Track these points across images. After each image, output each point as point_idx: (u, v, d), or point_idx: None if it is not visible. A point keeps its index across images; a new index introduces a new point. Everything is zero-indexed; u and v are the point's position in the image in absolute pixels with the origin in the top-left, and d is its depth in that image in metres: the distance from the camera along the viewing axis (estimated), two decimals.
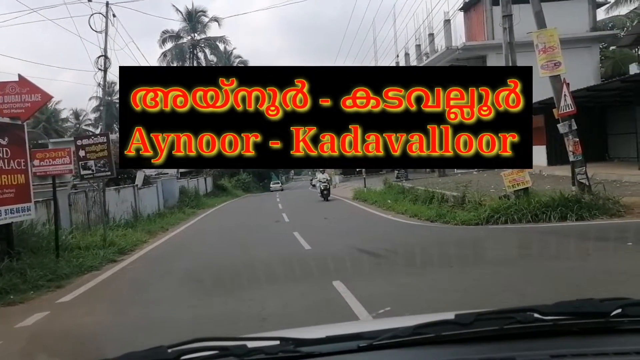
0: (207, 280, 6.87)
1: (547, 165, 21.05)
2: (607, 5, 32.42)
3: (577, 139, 10.45)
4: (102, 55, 10.99)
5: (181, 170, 46.42)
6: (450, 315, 1.25)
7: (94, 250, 9.61)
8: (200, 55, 41.78)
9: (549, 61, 10.26)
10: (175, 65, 41.51)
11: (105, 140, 10.52)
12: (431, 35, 33.62)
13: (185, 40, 41.04)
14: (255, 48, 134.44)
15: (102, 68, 10.99)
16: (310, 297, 5.29)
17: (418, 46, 36.00)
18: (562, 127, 10.48)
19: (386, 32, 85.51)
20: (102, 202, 11.60)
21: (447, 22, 29.90)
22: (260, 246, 9.97)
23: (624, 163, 19.18)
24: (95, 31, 10.68)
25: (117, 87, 62.67)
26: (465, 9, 28.63)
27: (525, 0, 17.52)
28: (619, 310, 1.22)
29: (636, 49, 28.47)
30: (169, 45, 41.09)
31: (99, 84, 10.78)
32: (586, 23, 26.36)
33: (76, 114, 62.99)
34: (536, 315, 1.23)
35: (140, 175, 20.65)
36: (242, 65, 55.40)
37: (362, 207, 18.61)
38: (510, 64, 10.90)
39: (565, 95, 10.07)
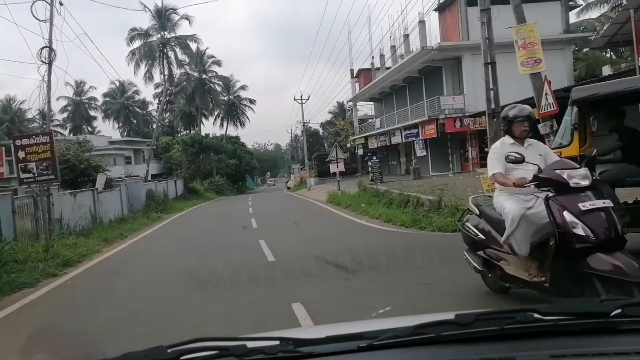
0: (148, 304, 6.00)
1: None
2: (579, 8, 32.70)
3: None
4: (45, 47, 9.94)
5: (152, 172, 45.40)
6: (450, 315, 1.24)
7: (32, 263, 8.59)
8: (171, 54, 40.53)
9: (529, 58, 9.72)
10: (144, 63, 40.24)
11: (47, 140, 9.44)
12: (406, 36, 33.31)
13: (154, 38, 39.71)
14: (232, 49, 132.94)
15: (47, 61, 9.93)
16: (264, 325, 4.49)
17: (393, 47, 35.62)
18: (543, 128, 9.93)
19: (363, 34, 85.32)
20: (47, 208, 10.52)
21: (422, 22, 29.56)
22: (220, 257, 9.11)
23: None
24: (38, 20, 9.67)
25: (87, 86, 61.10)
26: (440, 9, 28.34)
27: (504, 0, 17.27)
28: (619, 310, 1.22)
29: (606, 52, 28.62)
30: (137, 43, 39.72)
31: (42, 78, 9.75)
32: (559, 25, 26.35)
33: (43, 115, 60.88)
34: (536, 315, 1.23)
35: (101, 178, 19.47)
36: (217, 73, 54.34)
37: (336, 211, 17.89)
38: (489, 60, 10.32)
39: (546, 93, 9.51)
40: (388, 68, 34.72)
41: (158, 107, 47.87)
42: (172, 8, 39.80)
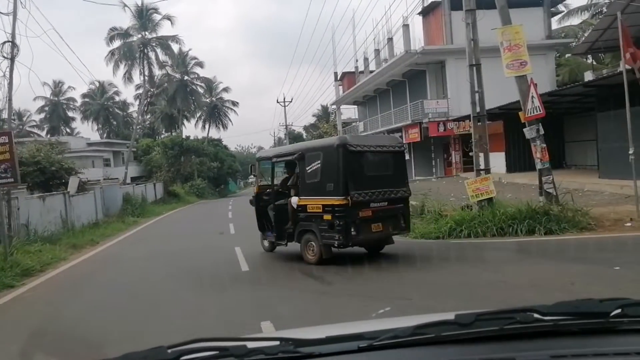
0: (104, 321, 5.47)
1: (506, 172, 20.62)
2: (560, 15, 32.96)
3: (545, 145, 9.66)
4: (7, 41, 9.33)
5: (132, 175, 44.45)
6: (450, 316, 1.23)
7: None
8: (151, 54, 39.65)
9: (514, 60, 9.44)
10: (124, 64, 39.32)
11: (6, 141, 8.79)
12: (390, 39, 33.14)
13: (135, 38, 38.82)
14: (216, 51, 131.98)
15: (9, 56, 9.33)
16: None
17: (377, 51, 35.42)
18: (528, 132, 9.67)
19: (347, 37, 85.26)
20: (7, 213, 9.85)
21: (406, 26, 29.40)
22: (192, 267, 8.60)
23: (582, 171, 18.94)
24: (1, 13, 9.06)
25: (65, 87, 59.75)
26: (424, 13, 28.18)
27: (488, 5, 17.10)
28: (619, 311, 1.22)
29: (587, 58, 28.81)
30: (117, 43, 38.76)
31: (4, 74, 9.13)
32: (542, 31, 26.39)
33: (19, 115, 59.23)
34: (536, 315, 1.22)
35: (74, 180, 18.72)
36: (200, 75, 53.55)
37: None
38: (474, 62, 10.02)
39: (532, 97, 9.24)
40: (372, 71, 34.48)
41: (139, 108, 46.89)
42: (153, 8, 39.01)
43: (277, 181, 9.12)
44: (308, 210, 7.68)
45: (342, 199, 7.18)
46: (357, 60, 39.34)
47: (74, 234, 14.49)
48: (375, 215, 7.47)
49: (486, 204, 9.78)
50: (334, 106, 48.06)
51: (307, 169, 7.82)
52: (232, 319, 4.99)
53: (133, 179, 41.23)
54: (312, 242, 7.55)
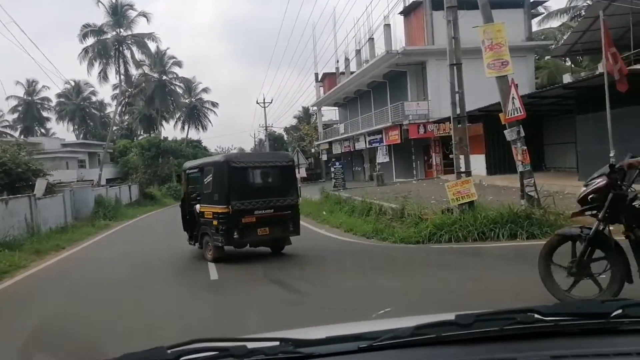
0: (57, 339, 4.94)
1: (486, 174, 20.49)
2: (540, 17, 33.22)
3: (525, 147, 9.42)
4: None
5: (108, 176, 43.35)
6: (450, 316, 1.23)
7: None
8: (127, 53, 38.63)
9: (496, 59, 9.17)
10: (98, 62, 38.27)
11: None
12: (371, 39, 32.93)
13: (109, 35, 37.77)
14: (197, 51, 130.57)
15: None
16: None
17: (358, 51, 35.18)
18: (509, 134, 9.41)
19: (328, 38, 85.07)
20: None
21: (387, 26, 29.20)
22: (159, 275, 8.11)
23: (562, 173, 18.90)
24: None
25: (39, 86, 58.09)
26: (405, 13, 28.03)
27: (470, 6, 16.91)
28: (620, 311, 1.22)
29: (566, 60, 29.07)
30: (90, 40, 37.66)
31: None
32: (522, 33, 26.43)
33: None
34: (537, 315, 1.23)
35: (41, 182, 17.94)
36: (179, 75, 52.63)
37: None
38: (455, 62, 9.72)
39: (513, 98, 8.99)
40: (353, 72, 34.21)
41: (116, 108, 45.78)
42: (128, 4, 38.04)
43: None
44: (205, 216, 8.99)
45: (224, 207, 8.44)
46: (337, 61, 39.09)
47: (39, 239, 13.77)
48: (260, 221, 8.62)
49: (467, 207, 9.49)
50: (315, 107, 47.69)
51: (204, 180, 9.18)
52: (193, 335, 4.53)
53: (109, 181, 40.24)
54: (209, 243, 8.85)
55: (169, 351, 1.11)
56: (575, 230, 4.35)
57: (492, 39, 9.22)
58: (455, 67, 9.72)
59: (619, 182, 4.06)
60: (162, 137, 50.65)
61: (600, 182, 4.13)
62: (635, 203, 4.00)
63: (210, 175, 8.95)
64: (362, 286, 5.98)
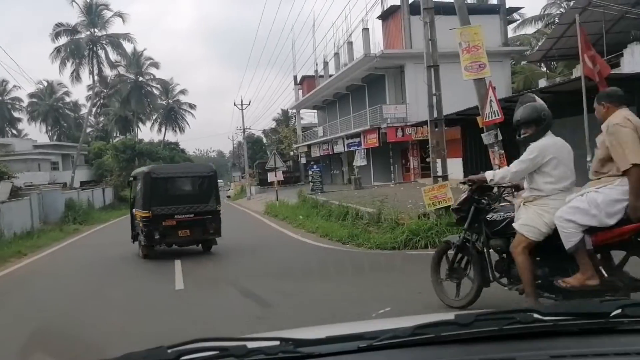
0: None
1: (463, 178, 20.46)
2: (515, 23, 33.65)
3: (503, 151, 9.28)
4: None
5: (82, 179, 42.21)
6: (450, 316, 1.24)
7: None
8: (101, 53, 37.73)
9: (473, 62, 9.03)
10: (71, 62, 37.27)
11: None
12: (350, 43, 32.84)
13: (83, 35, 36.82)
14: (176, 54, 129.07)
15: None
16: None
17: (336, 54, 35.04)
18: (487, 138, 9.27)
19: (307, 41, 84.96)
20: None
21: (366, 30, 29.14)
22: (122, 283, 7.69)
23: None
24: None
25: (10, 86, 56.28)
26: (384, 17, 27.99)
27: (447, 11, 16.84)
28: (619, 311, 1.22)
29: (541, 66, 29.46)
30: (63, 40, 36.64)
31: None
32: (498, 38, 26.62)
33: None
34: (536, 315, 1.23)
35: (5, 185, 17.24)
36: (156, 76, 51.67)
37: (271, 223, 16.69)
38: (432, 63, 9.55)
39: (491, 100, 8.84)
40: (331, 75, 34.05)
41: (89, 109, 44.65)
42: (104, 4, 37.16)
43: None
44: (137, 219, 10.31)
45: (146, 212, 9.75)
46: (316, 64, 38.89)
47: (0, 245, 13.13)
48: (180, 224, 9.86)
49: (444, 212, 9.30)
50: (293, 110, 47.39)
51: (137, 188, 10.69)
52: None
53: (83, 184, 39.22)
54: (142, 243, 10.23)
55: (169, 350, 1.11)
56: (455, 238, 4.65)
57: (469, 41, 9.07)
58: (432, 69, 9.55)
59: (481, 196, 4.38)
60: (138, 139, 49.69)
61: (464, 195, 4.51)
62: (489, 215, 4.28)
63: (140, 184, 10.45)
64: (333, 296, 5.69)
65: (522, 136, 4.17)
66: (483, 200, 4.37)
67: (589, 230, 3.63)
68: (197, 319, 5.17)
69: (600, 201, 3.58)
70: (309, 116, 47.94)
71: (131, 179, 11.80)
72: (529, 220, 3.88)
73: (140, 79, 51.54)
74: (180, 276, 7.60)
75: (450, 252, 4.73)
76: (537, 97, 4.41)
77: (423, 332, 1.19)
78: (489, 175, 4.24)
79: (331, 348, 1.17)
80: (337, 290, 5.89)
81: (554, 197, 3.88)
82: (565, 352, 1.12)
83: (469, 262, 4.57)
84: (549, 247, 3.85)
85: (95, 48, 37.58)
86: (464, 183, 4.60)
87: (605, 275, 3.71)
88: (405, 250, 8.74)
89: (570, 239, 3.62)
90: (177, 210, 9.81)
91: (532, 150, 3.97)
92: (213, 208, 10.26)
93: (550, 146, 4.02)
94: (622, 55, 18.25)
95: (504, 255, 4.23)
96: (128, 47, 41.43)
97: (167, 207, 9.77)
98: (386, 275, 7.10)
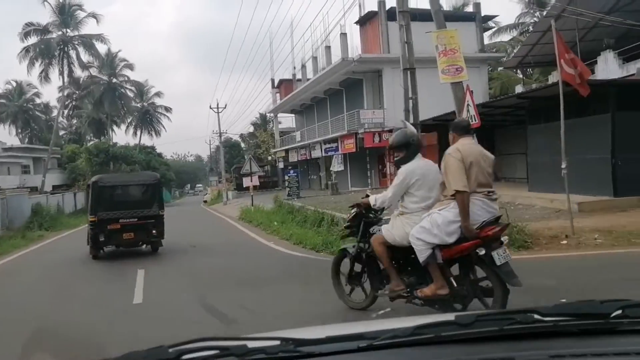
0: None
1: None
2: (491, 31, 34.02)
3: None
4: None
5: (55, 183, 40.90)
6: (450, 316, 1.24)
7: None
8: (72, 53, 36.67)
9: (450, 65, 8.83)
10: (40, 62, 36.13)
11: None
12: (328, 47, 32.67)
13: (54, 35, 35.75)
14: (153, 56, 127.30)
15: None
16: None
17: (315, 58, 34.82)
18: None
19: (286, 45, 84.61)
20: None
21: (344, 35, 29.02)
22: (78, 292, 7.19)
23: (512, 184, 19.01)
24: None
25: None
26: (361, 22, 27.91)
27: (424, 18, 16.73)
28: (619, 312, 1.23)
29: (517, 72, 29.77)
30: (33, 39, 35.52)
31: None
32: (475, 45, 26.78)
33: None
34: (536, 316, 1.24)
35: None
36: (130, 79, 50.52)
37: (245, 229, 16.24)
38: (408, 66, 9.33)
39: (468, 105, 8.65)
40: (309, 79, 33.79)
41: (59, 111, 43.35)
42: (77, 4, 36.17)
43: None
44: (88, 223, 11.19)
45: (93, 217, 10.76)
46: (294, 68, 38.63)
47: None
48: (124, 228, 10.81)
49: None
50: (271, 114, 46.96)
51: (90, 195, 11.29)
52: None
53: (55, 188, 38.03)
54: (89, 245, 11.14)
55: (170, 350, 1.11)
56: (350, 247, 5.14)
57: (446, 44, 8.88)
58: (408, 72, 9.33)
59: (368, 212, 4.87)
60: (112, 143, 48.51)
61: (353, 212, 5.03)
62: (372, 228, 4.78)
63: (90, 191, 11.26)
64: (304, 312, 5.34)
65: (395, 159, 4.69)
66: (370, 215, 4.89)
67: (440, 246, 4.06)
68: (152, 336, 4.75)
69: (440, 222, 4.02)
70: (288, 120, 47.64)
71: (87, 186, 12.41)
72: (391, 227, 4.47)
73: (114, 80, 50.47)
74: (141, 288, 7.14)
75: (347, 260, 5.16)
76: (407, 124, 5.17)
77: (423, 332, 1.20)
78: (371, 200, 4.71)
79: (331, 348, 1.17)
80: (306, 305, 5.54)
81: (417, 214, 4.30)
82: (565, 352, 1.12)
83: (364, 269, 5.00)
84: (416, 260, 4.25)
85: (66, 48, 36.57)
86: (352, 207, 5.15)
87: (455, 285, 4.17)
88: None
89: (422, 254, 4.07)
90: (122, 215, 10.79)
91: (400, 174, 4.44)
92: (156, 213, 11.20)
93: (416, 169, 4.41)
94: (596, 62, 18.43)
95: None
96: (102, 48, 40.54)
97: (112, 212, 10.77)
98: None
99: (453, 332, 1.19)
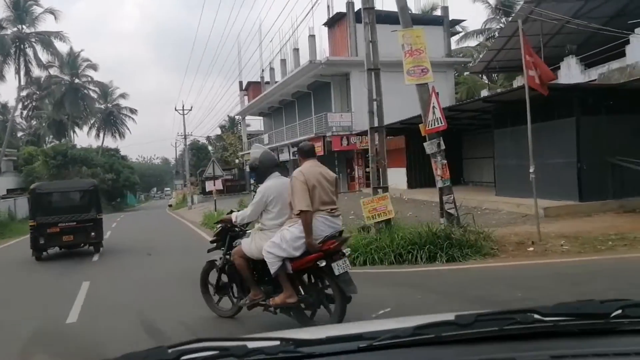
0: None
1: (407, 188, 20.21)
2: (458, 36, 34.32)
3: (445, 162, 8.80)
4: None
5: (9, 187, 38.91)
6: (450, 316, 1.24)
7: None
8: (30, 51, 35.04)
9: (415, 66, 8.50)
10: None
11: None
12: (296, 50, 32.25)
13: (8, 32, 34.08)
14: (119, 57, 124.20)
15: None
16: None
17: (283, 61, 34.35)
18: (429, 147, 8.75)
19: (254, 47, 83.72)
20: None
21: (312, 37, 28.64)
22: (8, 309, 6.46)
23: (480, 187, 19.00)
24: None
25: None
26: (330, 24, 27.60)
27: (392, 21, 16.43)
28: (620, 311, 1.23)
29: (482, 77, 30.09)
30: None
31: None
32: (442, 49, 26.83)
33: None
34: (536, 316, 1.24)
35: None
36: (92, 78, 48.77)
37: (206, 236, 15.53)
38: (373, 67, 8.96)
39: (434, 107, 8.34)
40: (278, 82, 33.27)
41: (13, 111, 41.40)
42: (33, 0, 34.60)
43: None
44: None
45: (32, 221, 11.71)
46: (262, 70, 38.02)
47: None
48: (63, 231, 11.72)
49: (384, 226, 8.68)
50: (239, 117, 46.17)
51: (30, 201, 12.33)
52: None
53: (10, 192, 36.16)
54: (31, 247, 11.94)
55: (169, 350, 1.11)
56: (217, 259, 5.36)
57: (412, 44, 8.56)
58: (372, 73, 8.95)
59: (233, 226, 5.15)
60: (71, 145, 46.70)
61: (220, 226, 5.38)
62: (235, 242, 5.10)
63: (30, 197, 12.28)
64: (252, 329, 4.85)
65: (252, 179, 4.88)
66: (236, 229, 5.19)
67: (290, 258, 4.42)
68: None
69: (288, 237, 4.39)
70: (256, 123, 46.89)
71: (28, 193, 13.21)
72: (250, 241, 4.79)
73: (77, 81, 48.67)
74: (80, 303, 6.48)
75: (214, 272, 5.42)
76: (260, 146, 5.51)
77: (423, 332, 1.20)
78: (233, 217, 5.04)
79: (331, 348, 1.16)
80: (257, 322, 5.05)
81: (273, 230, 4.63)
82: (565, 353, 1.12)
83: (229, 279, 5.27)
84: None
85: (22, 46, 34.91)
86: (217, 223, 5.56)
87: (302, 293, 4.54)
88: None
89: (272, 266, 4.42)
90: (60, 219, 11.65)
91: (258, 193, 4.79)
92: (94, 216, 12.17)
93: (271, 187, 4.75)
94: (559, 68, 18.62)
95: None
96: (63, 47, 38.96)
97: (51, 217, 11.61)
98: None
99: (453, 332, 1.19)
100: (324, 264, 4.32)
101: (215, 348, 1.11)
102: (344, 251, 4.54)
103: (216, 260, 5.35)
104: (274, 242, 4.43)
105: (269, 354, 1.11)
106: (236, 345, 1.12)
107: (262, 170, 4.93)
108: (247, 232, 5.16)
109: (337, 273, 4.32)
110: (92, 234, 12.02)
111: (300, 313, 4.58)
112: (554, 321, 1.22)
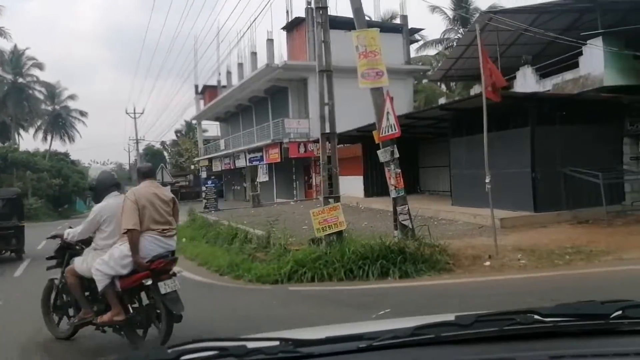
0: None
1: (364, 197, 19.78)
2: (418, 45, 34.55)
3: (399, 170, 8.33)
4: None
5: None
6: (450, 317, 1.24)
7: None
8: None
9: (370, 68, 8.01)
10: None
11: None
12: (254, 54, 31.55)
13: None
14: (73, 58, 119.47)
15: None
16: None
17: (240, 65, 33.52)
18: (382, 155, 8.25)
19: (212, 50, 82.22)
20: None
21: (270, 41, 28.01)
22: None
23: (435, 197, 18.80)
24: None
25: None
26: (288, 29, 27.08)
27: (343, 25, 16.01)
28: (619, 312, 1.23)
29: (440, 85, 30.32)
30: None
31: None
32: (401, 57, 26.78)
33: None
34: (536, 316, 1.24)
35: None
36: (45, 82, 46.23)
37: None
38: (324, 68, 8.40)
39: (388, 113, 7.86)
40: (234, 86, 32.41)
41: None
42: None
43: None
44: None
45: None
46: (219, 74, 37.00)
47: None
48: None
49: (334, 238, 8.09)
50: (194, 121, 44.84)
51: None
52: None
53: None
54: None
55: (169, 350, 1.11)
56: (57, 278, 5.18)
57: (366, 45, 8.08)
58: (325, 75, 8.40)
59: (79, 244, 5.08)
60: (15, 147, 44.02)
61: (58, 245, 5.21)
62: (72, 260, 4.95)
63: None
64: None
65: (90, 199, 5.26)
66: (77, 247, 5.08)
67: (120, 276, 4.45)
68: None
69: (116, 255, 4.42)
70: (214, 128, 45.64)
71: None
72: (82, 260, 4.76)
73: (20, 80, 46.02)
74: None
75: (52, 289, 5.23)
76: (100, 166, 5.95)
77: (423, 333, 1.19)
78: (65, 233, 5.00)
79: (331, 348, 1.16)
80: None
81: (105, 250, 4.62)
82: (565, 353, 1.12)
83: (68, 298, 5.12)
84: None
85: None
86: (52, 237, 5.33)
87: (131, 311, 4.56)
88: (289, 285, 7.36)
89: (100, 283, 4.42)
90: None
91: (92, 212, 4.80)
92: (15, 224, 12.43)
93: (106, 207, 4.76)
94: (515, 77, 18.73)
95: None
96: (6, 44, 36.69)
97: None
98: (249, 325, 5.61)
99: (453, 333, 1.19)
100: (149, 282, 4.35)
101: (215, 348, 1.12)
102: (175, 271, 4.58)
103: (56, 279, 5.18)
104: (103, 259, 4.45)
105: (268, 354, 1.11)
106: (235, 345, 1.12)
107: (99, 189, 4.93)
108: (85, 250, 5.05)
109: (163, 292, 4.34)
110: (14, 241, 12.28)
111: (131, 332, 4.55)
112: (554, 322, 1.22)
